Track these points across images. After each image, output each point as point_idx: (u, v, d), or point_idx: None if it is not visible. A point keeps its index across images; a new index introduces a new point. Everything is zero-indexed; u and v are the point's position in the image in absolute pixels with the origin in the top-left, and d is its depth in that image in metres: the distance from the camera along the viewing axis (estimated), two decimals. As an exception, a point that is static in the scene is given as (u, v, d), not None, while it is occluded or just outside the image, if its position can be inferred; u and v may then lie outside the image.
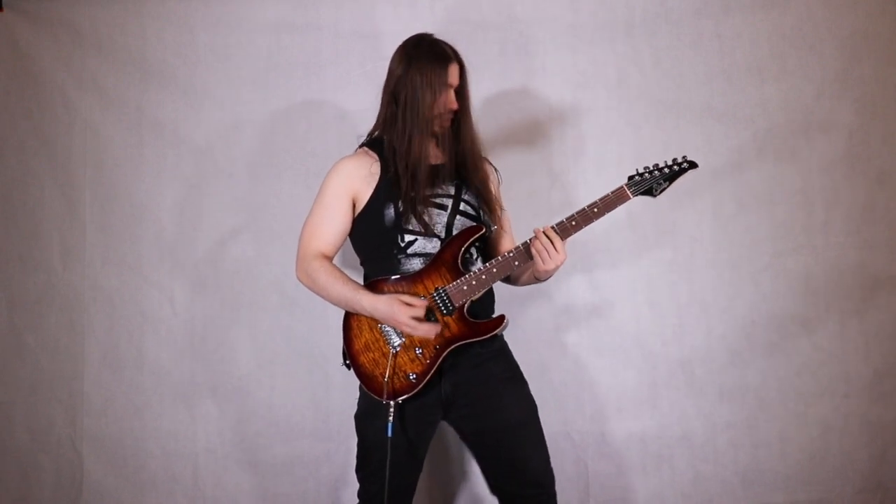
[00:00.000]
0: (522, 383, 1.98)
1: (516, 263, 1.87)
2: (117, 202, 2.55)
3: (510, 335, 2.03)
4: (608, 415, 2.50)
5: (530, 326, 2.49)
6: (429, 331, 1.81)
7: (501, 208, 2.05)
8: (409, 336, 1.85)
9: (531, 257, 1.85)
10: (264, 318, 2.53)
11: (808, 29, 2.49)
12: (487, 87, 2.50)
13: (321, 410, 2.51)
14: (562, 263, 1.85)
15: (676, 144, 2.50)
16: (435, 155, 1.96)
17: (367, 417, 1.92)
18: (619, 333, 2.51)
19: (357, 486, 1.99)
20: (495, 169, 2.10)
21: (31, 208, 2.55)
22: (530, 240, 1.86)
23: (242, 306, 2.53)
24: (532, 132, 2.53)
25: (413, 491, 1.98)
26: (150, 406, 2.52)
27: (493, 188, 2.03)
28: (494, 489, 1.99)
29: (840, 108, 2.49)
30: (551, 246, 1.82)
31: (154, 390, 2.53)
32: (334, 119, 2.54)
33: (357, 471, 1.97)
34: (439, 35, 1.99)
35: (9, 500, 2.51)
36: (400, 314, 1.80)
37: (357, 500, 1.98)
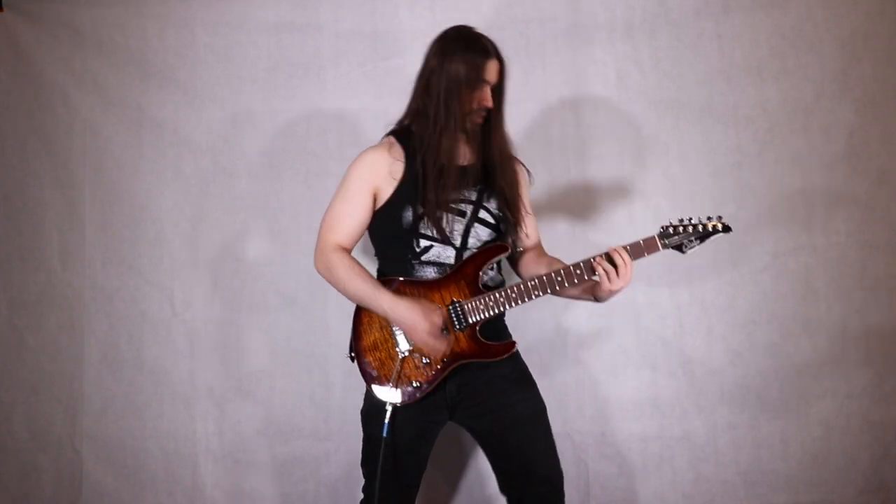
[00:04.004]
0: (531, 384, 1.96)
1: (537, 294, 1.83)
2: (117, 202, 2.55)
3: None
4: (608, 415, 2.50)
5: (531, 327, 2.48)
6: (439, 348, 1.80)
7: (528, 212, 1.99)
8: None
9: (548, 290, 1.83)
10: (264, 318, 2.53)
11: (808, 29, 2.50)
12: (487, 87, 2.49)
13: (321, 410, 2.51)
14: (626, 285, 1.81)
15: (676, 144, 2.51)
16: (463, 154, 1.90)
17: (371, 414, 1.90)
18: (620, 334, 2.51)
19: (359, 482, 1.98)
20: (527, 170, 2.04)
21: (31, 208, 2.55)
22: (594, 258, 1.81)
23: (242, 306, 2.53)
24: (532, 132, 2.53)
25: (417, 488, 1.97)
26: (149, 406, 2.52)
27: (522, 191, 1.97)
28: (504, 489, 1.98)
29: (840, 108, 2.49)
30: (624, 266, 1.79)
31: (154, 390, 2.52)
32: (334, 119, 2.54)
33: (362, 465, 1.96)
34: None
35: (8, 500, 2.51)
36: (419, 324, 1.77)
37: (362, 496, 1.98)
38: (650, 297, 2.51)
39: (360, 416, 1.96)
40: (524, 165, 2.03)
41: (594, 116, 2.53)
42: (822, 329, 2.47)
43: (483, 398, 1.89)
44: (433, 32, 2.49)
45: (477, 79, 1.82)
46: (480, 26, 2.48)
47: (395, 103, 2.49)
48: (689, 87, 2.51)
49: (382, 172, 1.86)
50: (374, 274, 1.93)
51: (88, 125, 2.55)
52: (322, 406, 2.51)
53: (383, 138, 1.95)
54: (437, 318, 1.79)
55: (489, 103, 1.85)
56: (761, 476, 2.47)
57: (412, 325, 1.78)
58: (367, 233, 1.97)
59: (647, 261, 2.48)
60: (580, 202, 2.51)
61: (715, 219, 1.87)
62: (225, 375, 2.52)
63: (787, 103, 2.50)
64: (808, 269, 2.48)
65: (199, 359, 2.52)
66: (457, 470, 2.54)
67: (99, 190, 2.55)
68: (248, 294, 2.53)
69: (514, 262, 2.04)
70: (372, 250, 2.04)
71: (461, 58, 1.82)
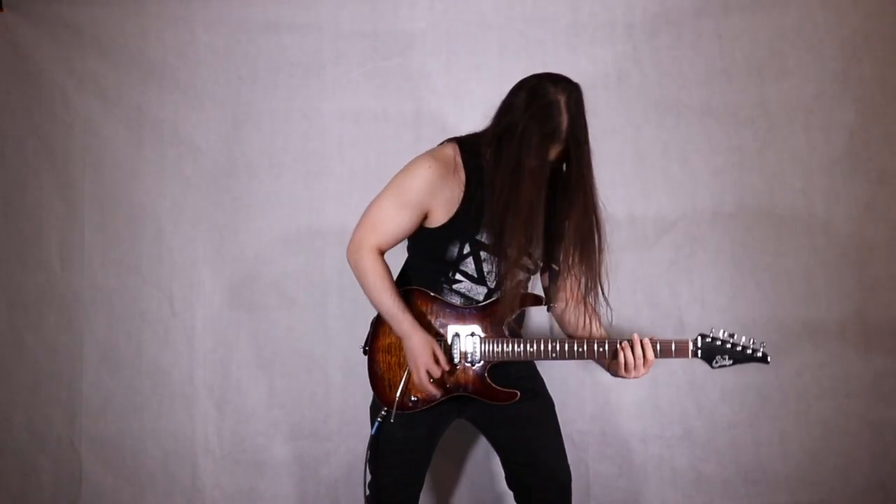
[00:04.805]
0: (539, 381, 2.00)
1: (553, 356, 1.85)
2: (117, 202, 2.55)
3: (510, 335, 2.02)
4: (608, 415, 2.50)
5: (530, 327, 2.47)
6: (427, 390, 1.83)
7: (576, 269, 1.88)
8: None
9: (566, 357, 1.85)
10: (264, 318, 2.53)
11: (808, 29, 2.49)
12: (487, 88, 2.48)
13: (321, 410, 2.51)
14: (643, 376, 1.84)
15: (676, 144, 2.51)
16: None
17: (378, 412, 1.92)
18: (619, 333, 2.50)
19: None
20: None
21: (30, 208, 2.55)
22: (621, 343, 1.83)
23: (242, 306, 2.53)
24: (532, 132, 2.52)
25: (421, 483, 2.00)
26: (148, 406, 2.52)
27: (589, 256, 1.88)
28: (511, 483, 2.00)
29: (840, 108, 2.49)
30: (643, 360, 1.81)
31: (153, 390, 2.52)
32: (334, 119, 2.53)
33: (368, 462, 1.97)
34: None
35: (8, 501, 2.51)
36: (421, 360, 1.79)
37: (368, 492, 1.99)
38: (650, 296, 2.51)
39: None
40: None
41: (594, 116, 2.51)
42: (822, 329, 2.47)
43: None
44: (433, 32, 2.52)
45: (540, 160, 1.75)
46: (480, 26, 2.53)
47: (395, 103, 2.53)
48: (689, 87, 2.51)
49: (441, 198, 1.82)
50: (401, 264, 1.93)
51: (88, 125, 2.55)
52: (322, 406, 2.51)
53: (448, 144, 1.89)
54: (437, 370, 1.81)
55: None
56: (761, 476, 2.47)
57: (416, 357, 1.80)
58: None
59: (647, 261, 2.52)
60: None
61: (758, 345, 1.85)
62: (224, 375, 2.52)
63: (787, 103, 2.49)
64: (808, 269, 2.48)
65: (198, 359, 2.52)
66: (466, 465, 2.54)
67: (98, 190, 2.55)
68: (248, 294, 2.53)
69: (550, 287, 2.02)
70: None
71: (531, 133, 1.72)
